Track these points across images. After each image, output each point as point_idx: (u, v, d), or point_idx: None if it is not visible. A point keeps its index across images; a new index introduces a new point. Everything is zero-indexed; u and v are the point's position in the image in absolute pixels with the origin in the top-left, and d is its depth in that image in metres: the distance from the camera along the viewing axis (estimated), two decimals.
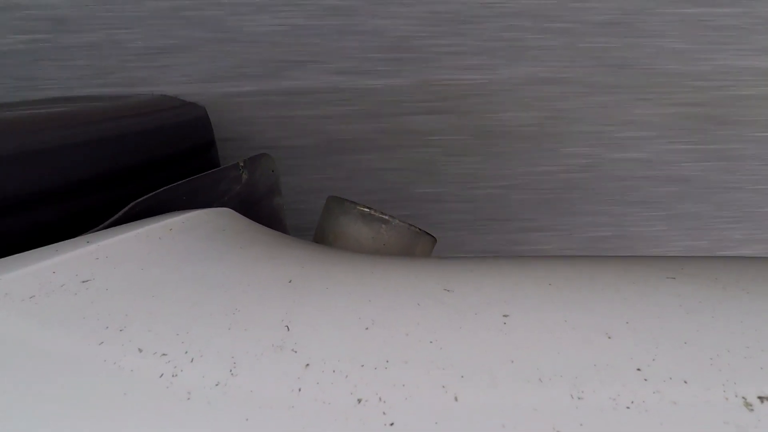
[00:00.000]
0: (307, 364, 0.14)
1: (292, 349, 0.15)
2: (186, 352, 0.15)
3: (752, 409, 0.12)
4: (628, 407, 0.12)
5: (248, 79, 0.51)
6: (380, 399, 0.13)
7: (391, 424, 0.13)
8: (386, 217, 0.32)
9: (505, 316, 0.16)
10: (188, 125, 0.42)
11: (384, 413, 0.13)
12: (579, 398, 0.13)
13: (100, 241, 0.20)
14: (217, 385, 0.14)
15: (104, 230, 0.23)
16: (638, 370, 0.13)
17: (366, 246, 0.32)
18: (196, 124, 0.44)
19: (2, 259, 0.19)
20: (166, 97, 0.47)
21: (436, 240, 0.34)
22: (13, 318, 0.16)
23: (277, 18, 0.49)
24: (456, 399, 0.13)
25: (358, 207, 0.32)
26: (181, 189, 0.29)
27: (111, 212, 0.25)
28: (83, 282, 0.18)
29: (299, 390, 0.14)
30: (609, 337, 0.14)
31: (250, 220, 0.28)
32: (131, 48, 0.49)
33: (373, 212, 0.32)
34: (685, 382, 0.13)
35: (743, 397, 0.12)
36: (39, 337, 0.16)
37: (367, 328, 0.16)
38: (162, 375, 0.14)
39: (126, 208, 0.25)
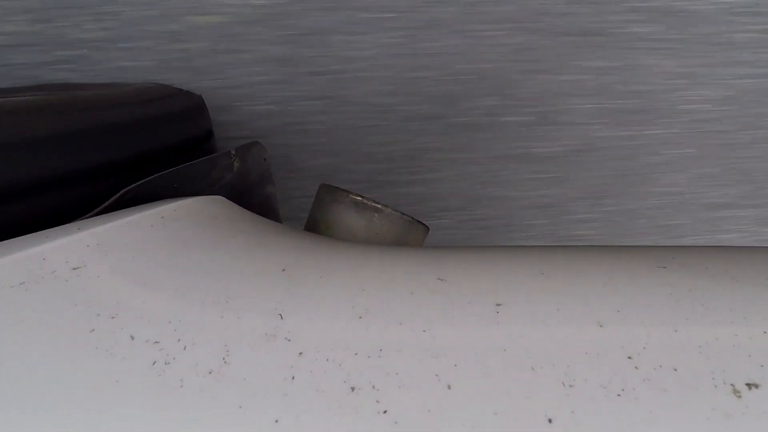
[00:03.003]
0: (301, 353, 0.14)
1: (286, 338, 0.15)
2: (179, 340, 0.15)
3: (740, 396, 0.12)
4: (618, 395, 0.13)
5: None
6: (374, 387, 0.13)
7: (385, 412, 0.13)
8: (379, 206, 0.32)
9: (497, 305, 0.16)
10: (184, 115, 0.41)
11: (377, 401, 0.13)
12: (570, 386, 0.13)
13: (90, 228, 0.20)
14: (210, 373, 0.14)
15: (95, 217, 0.22)
16: (629, 358, 0.13)
17: (358, 234, 0.32)
18: (192, 114, 0.42)
19: None
20: (160, 86, 0.46)
21: (429, 229, 0.34)
22: (3, 305, 0.16)
23: None
24: (449, 387, 0.13)
25: (351, 195, 0.32)
26: (172, 177, 0.28)
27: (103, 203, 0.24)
28: (74, 269, 0.18)
29: (293, 378, 0.14)
30: (600, 326, 0.15)
31: (243, 209, 0.28)
32: None
33: (365, 200, 0.32)
34: (675, 369, 0.13)
35: (732, 384, 0.13)
36: (29, 324, 0.15)
37: (360, 317, 0.16)
38: (155, 363, 0.14)
39: (116, 195, 0.25)
